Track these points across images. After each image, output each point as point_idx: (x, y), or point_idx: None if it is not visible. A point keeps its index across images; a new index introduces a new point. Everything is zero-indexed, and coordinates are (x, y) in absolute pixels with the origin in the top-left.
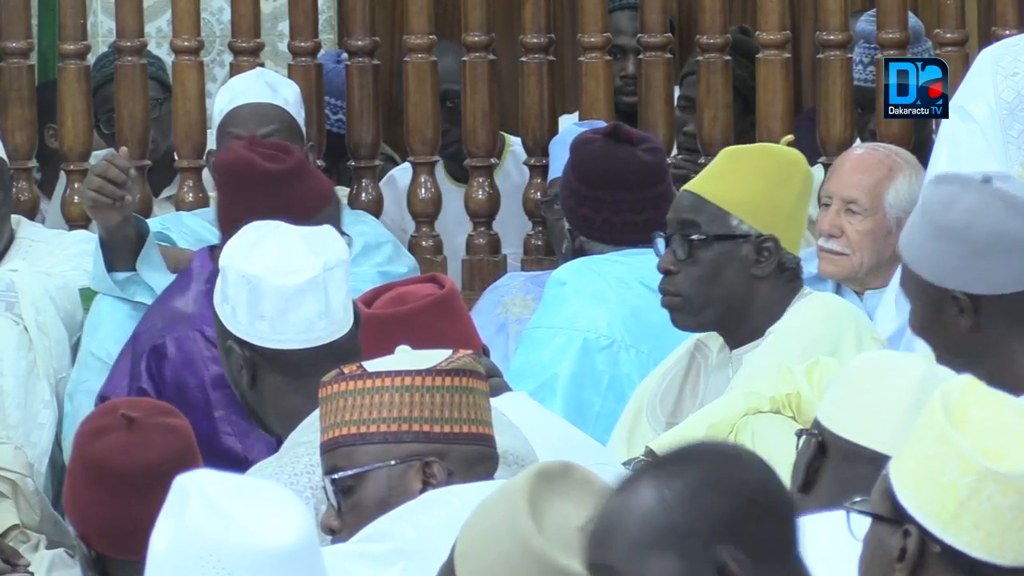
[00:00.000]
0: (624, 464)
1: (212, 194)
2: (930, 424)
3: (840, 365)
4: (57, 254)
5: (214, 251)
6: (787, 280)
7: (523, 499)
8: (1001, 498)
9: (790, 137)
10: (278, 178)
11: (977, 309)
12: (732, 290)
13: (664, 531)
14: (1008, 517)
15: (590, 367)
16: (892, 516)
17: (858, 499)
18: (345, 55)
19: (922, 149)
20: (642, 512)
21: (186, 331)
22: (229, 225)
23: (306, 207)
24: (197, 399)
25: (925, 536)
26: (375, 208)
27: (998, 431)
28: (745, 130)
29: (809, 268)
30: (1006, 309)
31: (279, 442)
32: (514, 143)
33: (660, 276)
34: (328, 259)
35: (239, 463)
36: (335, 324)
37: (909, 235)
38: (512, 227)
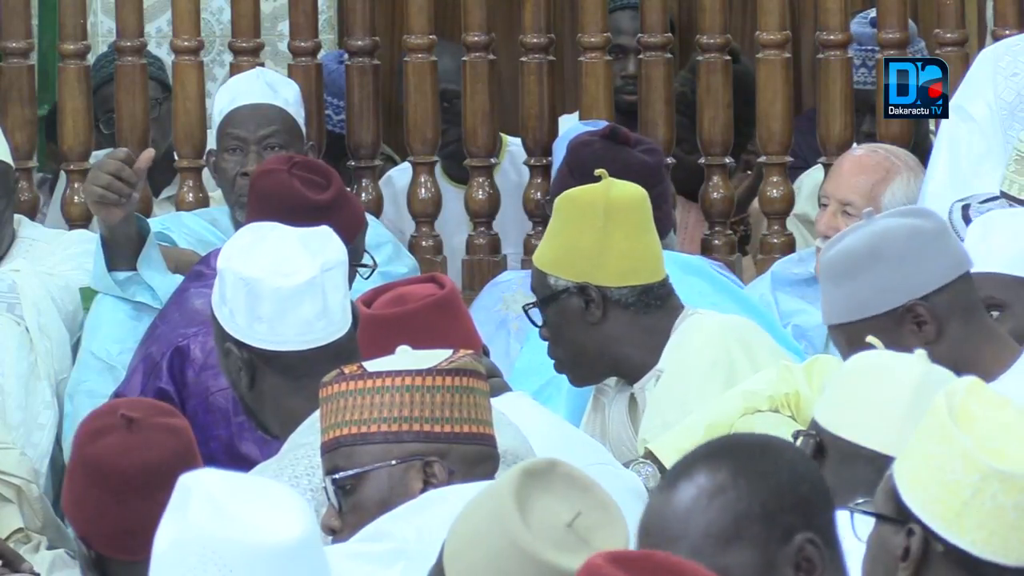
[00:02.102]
0: (624, 465)
1: (212, 194)
2: (934, 424)
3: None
4: (58, 253)
5: None
6: (639, 312)
7: (510, 497)
8: (1005, 497)
9: (602, 171)
10: (322, 208)
11: (933, 311)
12: (580, 342)
13: (744, 520)
14: (1012, 516)
15: None
16: (896, 516)
17: (861, 500)
18: (347, 56)
19: (918, 149)
20: (717, 501)
21: (211, 334)
22: None
23: (346, 234)
24: (219, 404)
25: (929, 535)
26: (375, 208)
27: (1002, 431)
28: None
29: (809, 268)
30: (953, 303)
31: (281, 443)
32: (511, 143)
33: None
34: (326, 260)
35: None
36: (334, 325)
37: (833, 301)
38: (511, 227)
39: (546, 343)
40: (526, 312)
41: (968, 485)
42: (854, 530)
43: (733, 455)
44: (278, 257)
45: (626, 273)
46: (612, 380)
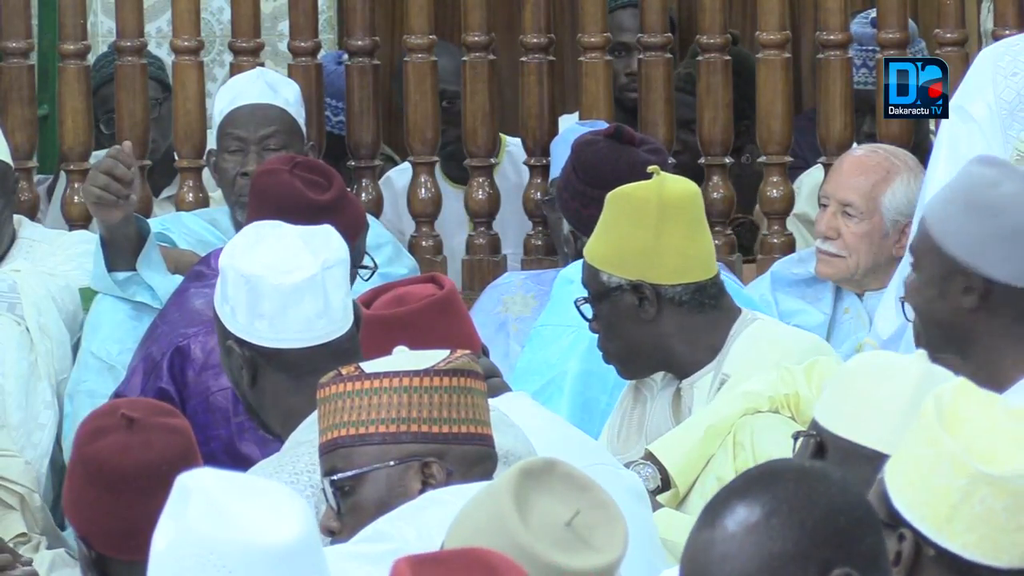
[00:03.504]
0: (626, 466)
1: (212, 194)
2: (923, 427)
3: (837, 365)
4: (59, 254)
5: None
6: (693, 310)
7: (509, 497)
8: (994, 500)
9: (655, 167)
10: (323, 209)
11: (986, 294)
12: (634, 339)
13: (777, 560)
14: (1002, 519)
15: (597, 365)
16: (887, 520)
17: None
18: (346, 56)
19: (919, 149)
20: (750, 542)
21: (211, 334)
22: None
23: (347, 235)
24: (219, 404)
25: (920, 540)
26: (375, 208)
27: (990, 433)
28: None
29: (808, 268)
30: (1014, 304)
31: (281, 443)
32: (510, 143)
33: None
34: (327, 258)
35: None
36: (335, 323)
37: (941, 206)
38: (511, 227)
39: (596, 336)
40: (577, 307)
41: (957, 489)
42: None
43: (767, 490)
44: (279, 255)
45: (680, 271)
46: (659, 375)
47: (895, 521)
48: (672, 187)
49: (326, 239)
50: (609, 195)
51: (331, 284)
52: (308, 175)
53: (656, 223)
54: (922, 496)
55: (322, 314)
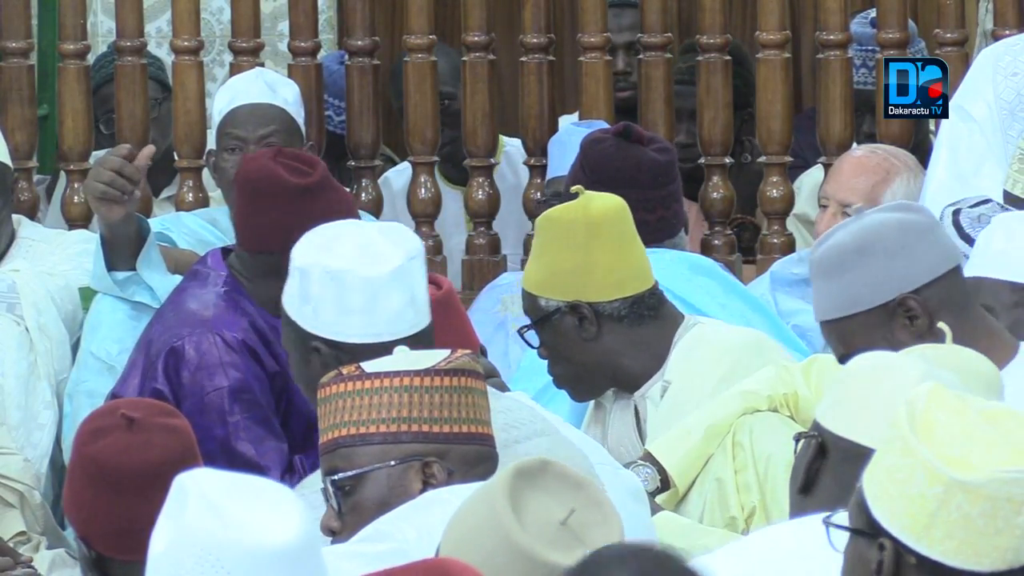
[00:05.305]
0: (625, 466)
1: (212, 194)
2: (896, 435)
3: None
4: (58, 254)
5: (226, 253)
6: (633, 323)
7: (504, 496)
8: (970, 507)
9: (579, 188)
10: (304, 192)
11: (926, 307)
12: (580, 359)
13: None
14: (979, 524)
15: None
16: (867, 529)
17: (831, 513)
18: (347, 56)
19: (919, 150)
20: None
21: (205, 335)
22: (249, 234)
23: (331, 220)
24: (214, 403)
25: (900, 548)
26: (375, 208)
27: (963, 438)
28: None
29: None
30: (944, 297)
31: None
32: (508, 144)
33: (673, 275)
34: (408, 249)
35: (253, 469)
36: (420, 314)
37: (824, 297)
38: (508, 227)
39: (545, 362)
40: (522, 335)
41: (933, 497)
42: (831, 542)
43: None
44: (363, 248)
45: (615, 286)
46: (610, 390)
47: (874, 530)
48: (598, 204)
49: (402, 231)
50: (537, 220)
51: (416, 275)
52: (290, 162)
53: (585, 242)
54: (899, 505)
55: (410, 304)
